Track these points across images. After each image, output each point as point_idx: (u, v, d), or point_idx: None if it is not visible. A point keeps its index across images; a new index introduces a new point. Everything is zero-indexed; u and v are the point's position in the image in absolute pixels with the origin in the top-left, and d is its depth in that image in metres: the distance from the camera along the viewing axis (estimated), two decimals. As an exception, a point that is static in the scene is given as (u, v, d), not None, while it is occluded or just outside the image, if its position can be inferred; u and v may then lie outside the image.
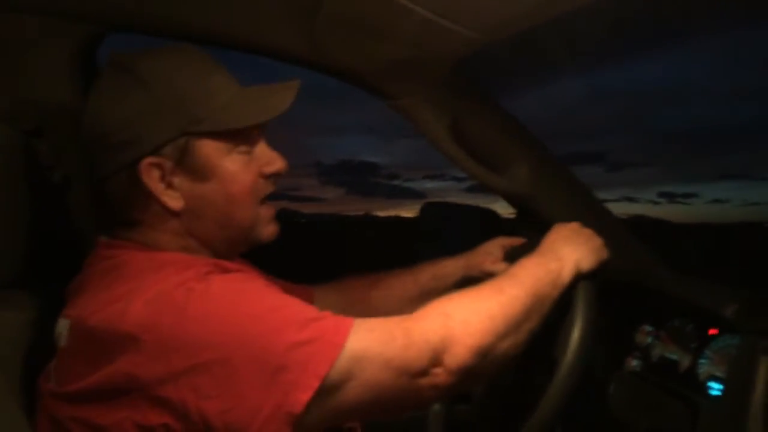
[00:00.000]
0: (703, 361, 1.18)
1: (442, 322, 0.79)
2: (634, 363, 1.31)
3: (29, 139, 0.94)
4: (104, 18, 1.06)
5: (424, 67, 1.19)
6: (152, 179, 0.81)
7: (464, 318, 0.81)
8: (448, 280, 1.24)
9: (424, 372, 0.76)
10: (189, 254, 0.85)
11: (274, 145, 0.92)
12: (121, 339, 0.69)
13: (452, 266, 1.24)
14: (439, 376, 0.78)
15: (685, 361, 1.21)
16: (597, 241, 1.04)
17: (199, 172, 0.83)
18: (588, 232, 1.05)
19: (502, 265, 1.17)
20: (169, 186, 0.82)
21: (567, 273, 0.95)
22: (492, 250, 1.23)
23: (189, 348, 0.68)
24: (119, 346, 0.69)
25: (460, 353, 0.78)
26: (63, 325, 0.78)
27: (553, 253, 0.98)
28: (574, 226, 1.06)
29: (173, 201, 0.82)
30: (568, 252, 0.98)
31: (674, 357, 1.24)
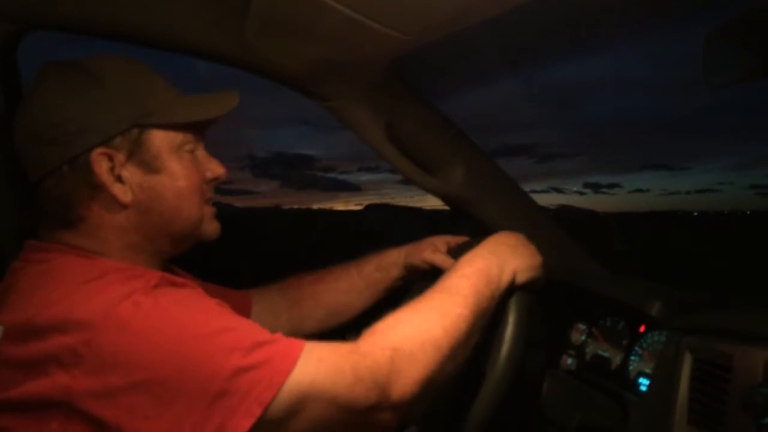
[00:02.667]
0: (633, 358, 1.21)
1: (389, 357, 0.77)
2: (569, 361, 1.33)
3: None
4: (24, 16, 1.00)
5: (355, 68, 1.17)
6: (102, 170, 0.80)
7: (411, 352, 0.79)
8: (392, 269, 1.24)
9: (370, 408, 0.75)
10: (132, 253, 0.84)
11: (207, 137, 0.93)
12: (61, 350, 0.66)
13: (395, 255, 1.25)
14: (385, 411, 0.76)
15: (617, 359, 1.25)
16: (538, 259, 1.03)
17: (149, 164, 0.83)
18: (531, 247, 1.04)
19: (440, 256, 1.18)
20: (118, 179, 0.82)
21: (505, 281, 0.96)
22: (435, 242, 1.23)
23: (130, 365, 0.65)
24: (58, 357, 0.66)
25: (406, 389, 0.77)
26: None
27: (494, 256, 0.97)
28: (520, 237, 1.05)
29: (123, 193, 0.82)
30: (509, 260, 0.98)
31: (606, 354, 1.28)
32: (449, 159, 1.35)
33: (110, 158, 0.80)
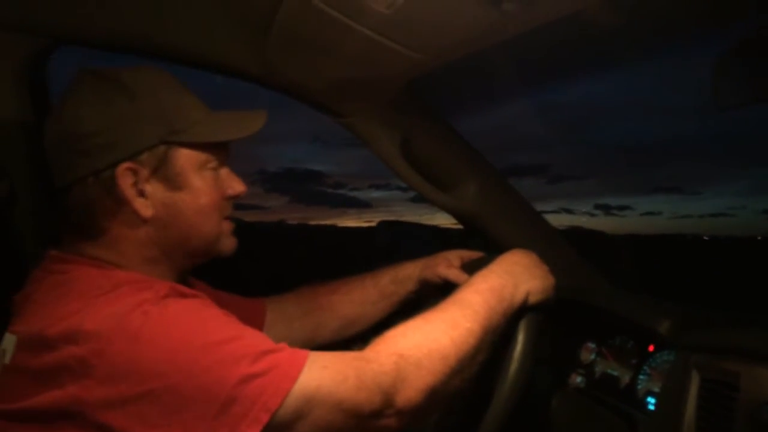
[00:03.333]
0: (642, 377, 1.22)
1: (394, 362, 0.78)
2: (578, 380, 1.34)
3: None
4: (55, 31, 1.04)
5: (373, 86, 1.20)
6: (127, 185, 0.81)
7: (417, 359, 0.80)
8: (407, 283, 1.25)
9: (374, 414, 0.76)
10: (149, 267, 0.85)
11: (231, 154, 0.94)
12: (72, 361, 0.67)
13: (411, 269, 1.26)
14: (390, 418, 0.78)
15: (626, 377, 1.25)
16: (551, 280, 1.04)
17: (172, 181, 0.84)
18: (545, 267, 1.06)
19: (455, 271, 1.19)
20: (141, 194, 0.83)
21: (518, 301, 0.97)
22: (450, 257, 1.24)
23: (140, 375, 0.66)
24: (69, 367, 0.67)
25: (411, 396, 0.78)
26: (9, 341, 0.75)
27: (509, 276, 0.98)
28: (534, 257, 1.06)
29: (144, 208, 0.83)
30: (524, 279, 0.99)
31: (615, 373, 1.28)
32: (463, 176, 1.37)
33: (135, 173, 0.82)
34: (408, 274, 1.26)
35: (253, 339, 0.74)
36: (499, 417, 0.96)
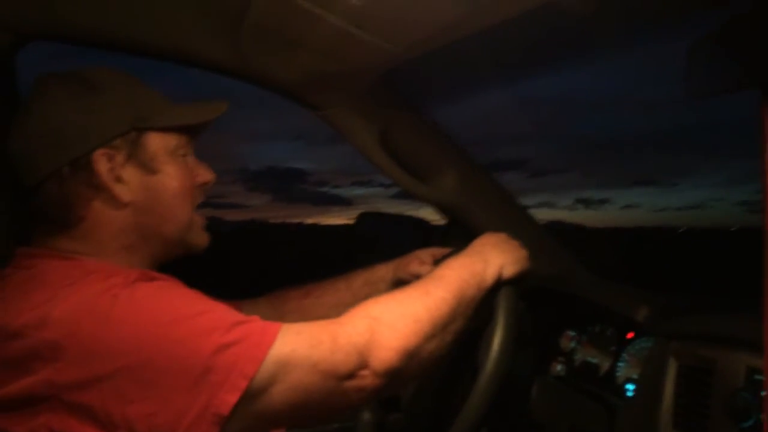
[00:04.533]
0: (620, 364, 1.23)
1: (367, 325, 0.81)
2: (558, 368, 1.35)
3: None
4: (22, 26, 1.01)
5: (348, 78, 1.20)
6: (104, 170, 0.82)
7: (390, 321, 0.83)
8: (380, 284, 1.26)
9: (350, 375, 0.77)
10: (126, 255, 0.86)
11: (200, 152, 0.97)
12: (42, 346, 0.67)
13: (383, 271, 1.27)
14: (366, 378, 0.79)
15: (605, 365, 1.26)
16: (522, 252, 1.08)
17: (147, 166, 0.86)
18: (515, 242, 1.09)
19: (427, 268, 1.20)
20: (118, 179, 0.84)
21: (490, 275, 0.99)
22: (422, 256, 1.25)
23: (112, 352, 0.67)
24: (40, 354, 0.67)
25: (386, 356, 0.80)
26: None
27: (479, 254, 1.02)
28: (502, 235, 1.10)
29: (123, 193, 0.84)
30: (493, 256, 1.02)
31: (595, 361, 1.29)
32: (441, 167, 1.37)
33: (110, 159, 0.83)
34: (381, 275, 1.27)
35: (224, 312, 0.75)
36: (485, 392, 0.96)
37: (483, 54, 1.33)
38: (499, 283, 1.01)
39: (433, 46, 1.05)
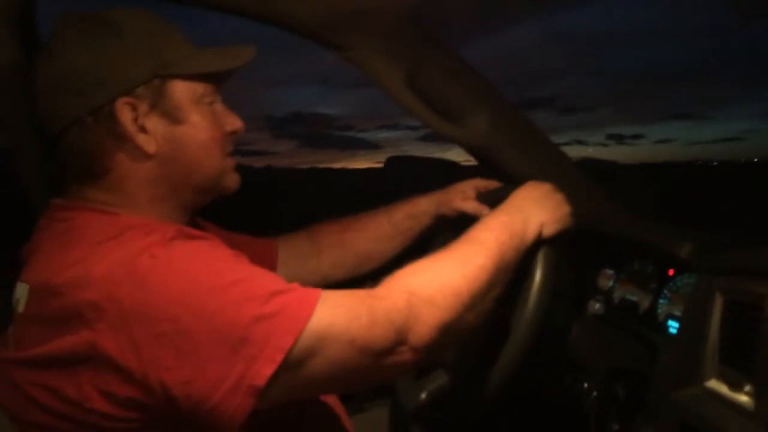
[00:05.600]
0: (662, 301, 1.21)
1: (406, 299, 0.78)
2: (596, 306, 1.33)
3: None
4: None
5: (374, 16, 1.15)
6: (127, 120, 0.80)
7: (429, 295, 0.80)
8: (423, 217, 1.24)
9: (388, 351, 0.76)
10: (157, 206, 0.85)
11: (225, 99, 0.94)
12: (83, 307, 0.67)
13: (425, 203, 1.25)
14: (404, 354, 0.77)
15: (645, 302, 1.24)
16: (565, 209, 1.03)
17: (172, 115, 0.83)
18: (559, 197, 1.04)
19: (472, 203, 1.18)
20: (142, 129, 0.82)
21: (530, 235, 0.96)
22: (465, 189, 1.22)
23: (150, 318, 0.67)
24: (81, 314, 0.68)
25: (424, 332, 0.78)
26: (21, 290, 0.76)
27: (519, 211, 0.98)
28: (547, 187, 1.05)
29: (147, 143, 0.82)
30: (535, 213, 0.98)
31: (634, 298, 1.27)
32: (473, 107, 1.33)
33: (134, 108, 0.81)
34: (423, 209, 1.24)
35: (263, 279, 0.73)
36: (519, 348, 0.96)
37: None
38: (539, 242, 0.98)
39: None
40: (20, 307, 0.76)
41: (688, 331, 1.09)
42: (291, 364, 0.69)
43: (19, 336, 0.75)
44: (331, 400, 1.09)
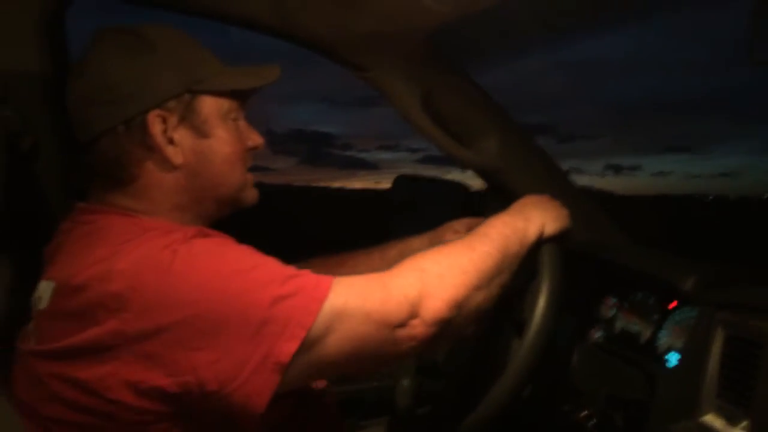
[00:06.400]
0: (663, 332, 1.22)
1: (417, 276, 0.84)
2: (597, 335, 1.34)
3: None
4: None
5: (395, 39, 1.18)
6: (157, 131, 0.84)
7: (439, 272, 0.85)
8: None
9: (402, 324, 0.80)
10: (178, 214, 0.88)
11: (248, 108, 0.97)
12: (107, 298, 0.70)
13: (418, 243, 1.27)
14: (417, 327, 0.81)
15: (646, 333, 1.25)
16: (563, 210, 1.10)
17: (199, 129, 0.87)
18: (555, 202, 1.11)
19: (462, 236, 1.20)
20: (171, 141, 0.85)
21: (533, 232, 1.02)
22: (456, 226, 1.26)
23: (174, 304, 0.69)
24: (105, 305, 0.70)
25: (436, 306, 0.82)
26: (45, 287, 0.78)
27: (519, 213, 1.04)
28: (543, 195, 1.12)
29: (175, 155, 0.85)
30: (534, 214, 1.04)
31: (636, 329, 1.28)
32: (484, 131, 1.36)
33: (164, 120, 0.84)
34: (416, 247, 1.25)
35: (277, 265, 0.78)
36: (534, 343, 0.98)
37: (526, 16, 1.29)
38: (542, 241, 1.03)
39: (479, 7, 1.03)
40: (42, 304, 0.77)
41: (688, 364, 1.10)
42: (312, 341, 0.73)
43: (42, 331, 0.76)
44: (330, 417, 1.09)
